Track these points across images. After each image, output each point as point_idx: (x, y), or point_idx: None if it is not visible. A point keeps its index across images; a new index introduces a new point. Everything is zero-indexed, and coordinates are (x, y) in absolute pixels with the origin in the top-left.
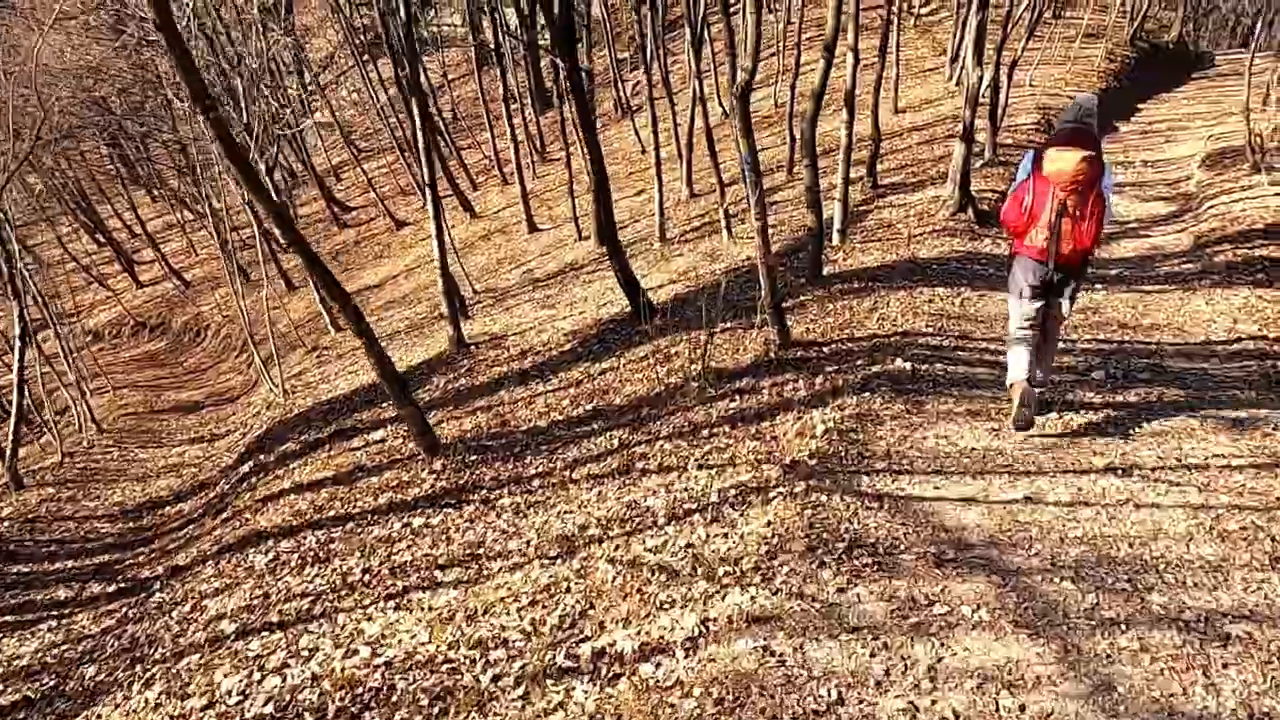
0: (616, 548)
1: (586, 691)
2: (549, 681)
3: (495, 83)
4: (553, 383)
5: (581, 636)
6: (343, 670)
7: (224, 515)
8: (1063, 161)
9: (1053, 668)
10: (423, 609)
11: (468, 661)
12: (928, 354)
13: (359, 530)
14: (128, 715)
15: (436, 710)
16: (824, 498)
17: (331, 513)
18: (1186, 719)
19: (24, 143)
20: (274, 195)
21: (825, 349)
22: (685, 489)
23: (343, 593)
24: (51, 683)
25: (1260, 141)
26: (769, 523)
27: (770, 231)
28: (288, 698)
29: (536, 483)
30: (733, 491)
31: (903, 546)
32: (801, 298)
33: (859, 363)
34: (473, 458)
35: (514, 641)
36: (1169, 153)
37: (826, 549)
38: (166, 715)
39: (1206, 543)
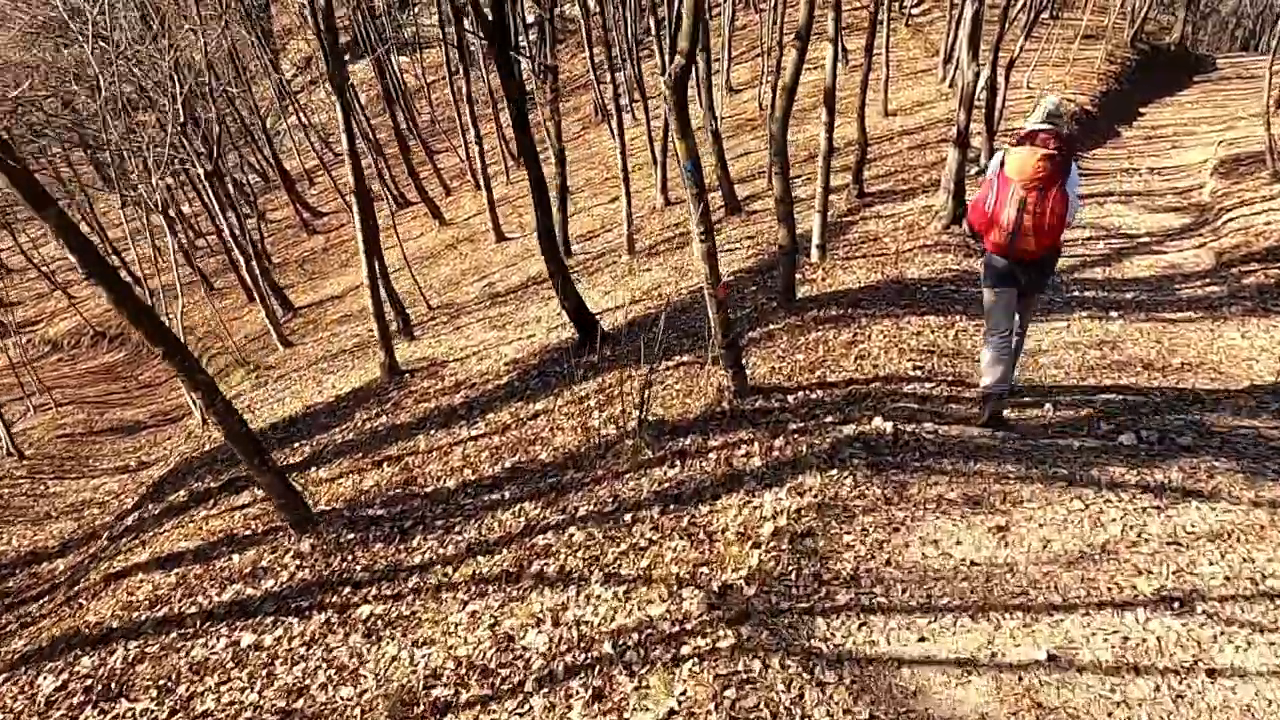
0: None
1: None
2: None
3: (476, 84)
4: (479, 426)
5: None
6: None
7: (68, 592)
8: (1023, 160)
9: None
10: None
11: None
12: (914, 408)
13: (179, 647)
14: None
15: None
16: (757, 663)
17: (163, 611)
18: None
19: None
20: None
21: (791, 397)
22: (577, 622)
23: None
24: None
25: None
26: (671, 711)
27: (746, 244)
28: None
29: (412, 582)
30: (635, 636)
31: None
32: (770, 325)
33: (829, 419)
34: (350, 536)
35: None
36: (1176, 159)
37: None
38: None
39: None
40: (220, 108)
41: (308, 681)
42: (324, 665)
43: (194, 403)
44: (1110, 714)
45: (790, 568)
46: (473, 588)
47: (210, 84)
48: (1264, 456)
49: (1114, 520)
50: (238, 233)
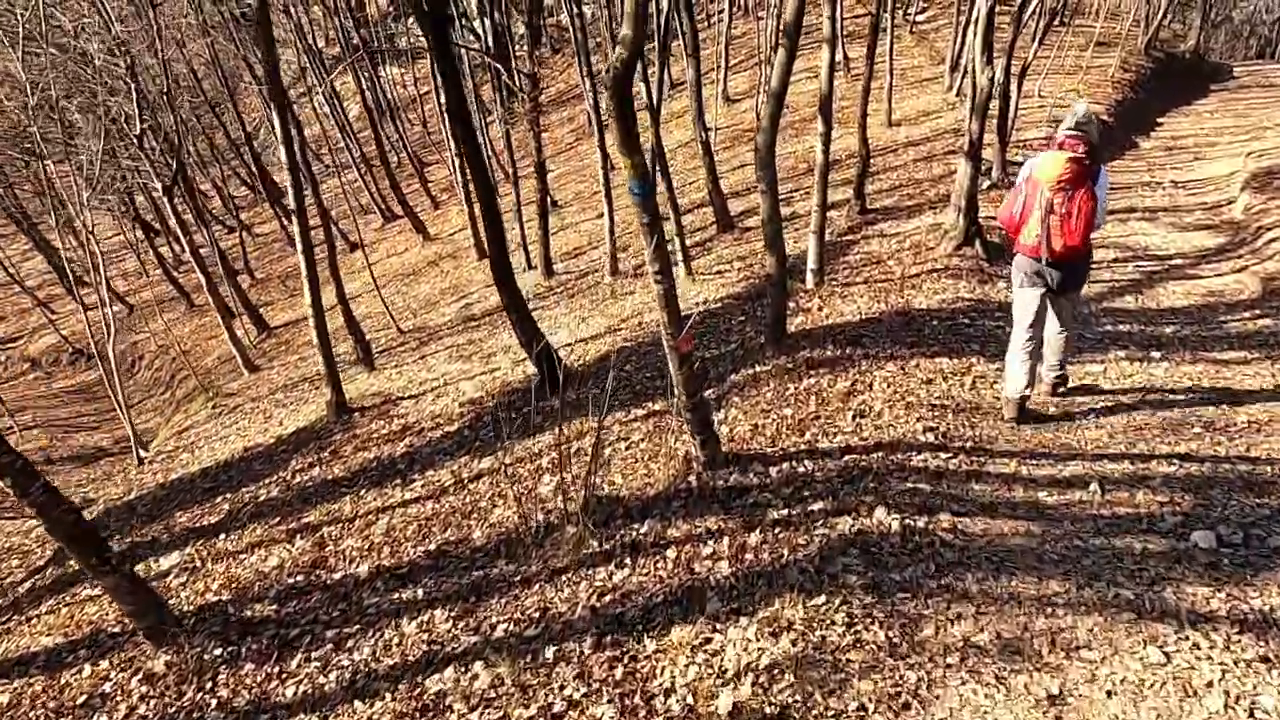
0: None
1: None
2: None
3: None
4: (415, 486)
5: None
6: None
7: None
8: (1051, 163)
9: None
10: None
11: None
12: (926, 490)
13: None
14: None
15: None
16: None
17: None
18: None
19: None
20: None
21: (774, 470)
22: None
23: None
24: None
25: None
26: None
27: (737, 266)
28: None
29: None
30: None
31: None
32: (757, 367)
33: (819, 506)
34: (217, 652)
35: None
36: (1201, 172)
37: None
38: None
39: None
40: (183, 117)
41: None
42: None
43: (133, 437)
44: None
45: None
46: None
47: (168, 90)
48: None
49: (1210, 685)
50: (205, 250)
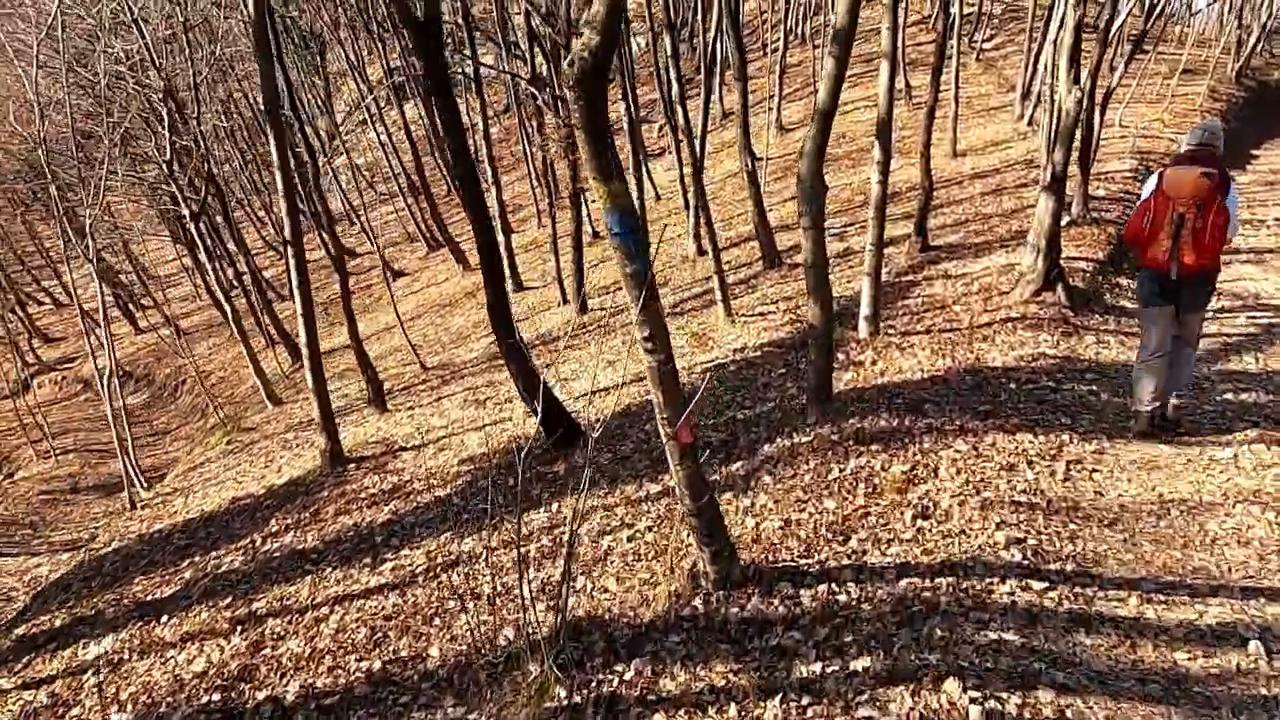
0: None
1: None
2: None
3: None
4: (384, 569)
5: None
6: None
7: None
8: (1182, 178)
9: None
10: None
11: None
12: (1016, 647)
13: None
14: None
15: None
16: None
17: None
18: None
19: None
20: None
21: (805, 595)
22: None
23: None
24: None
25: None
26: None
27: (782, 308)
28: None
29: None
30: None
31: None
32: (795, 437)
33: (863, 664)
34: None
35: None
36: None
37: None
38: None
39: None
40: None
41: None
42: None
43: (126, 478)
44: None
45: None
46: None
47: (198, 115)
48: None
49: None
50: (228, 277)
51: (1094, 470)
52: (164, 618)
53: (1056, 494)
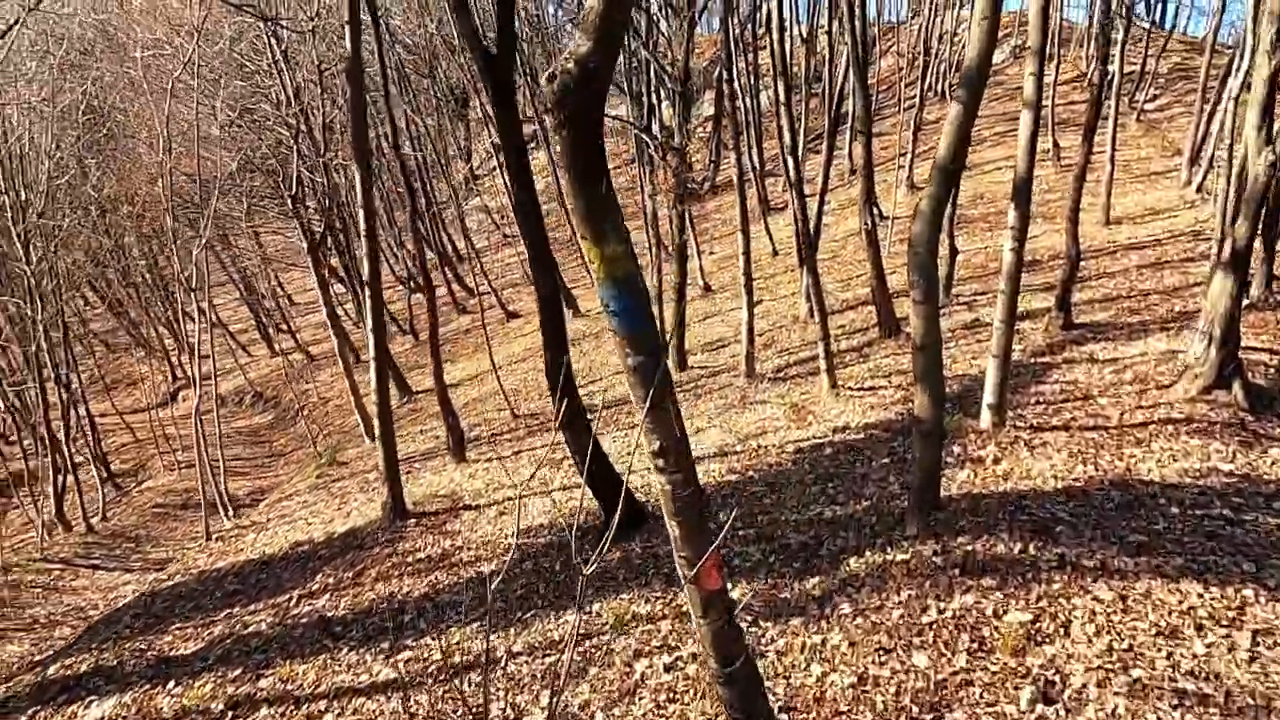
0: None
1: None
2: None
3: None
4: (399, 659)
5: None
6: None
7: None
8: None
9: None
10: None
11: None
12: None
13: None
14: None
15: None
16: None
17: None
18: None
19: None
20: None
21: None
22: None
23: None
24: None
25: None
26: None
27: (894, 383)
28: None
29: None
30: None
31: None
32: (887, 553)
33: None
34: None
35: None
36: None
37: None
38: None
39: None
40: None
41: None
42: None
43: (206, 508)
44: None
45: None
46: None
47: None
48: None
49: None
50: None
51: None
52: (170, 684)
53: (1237, 680)
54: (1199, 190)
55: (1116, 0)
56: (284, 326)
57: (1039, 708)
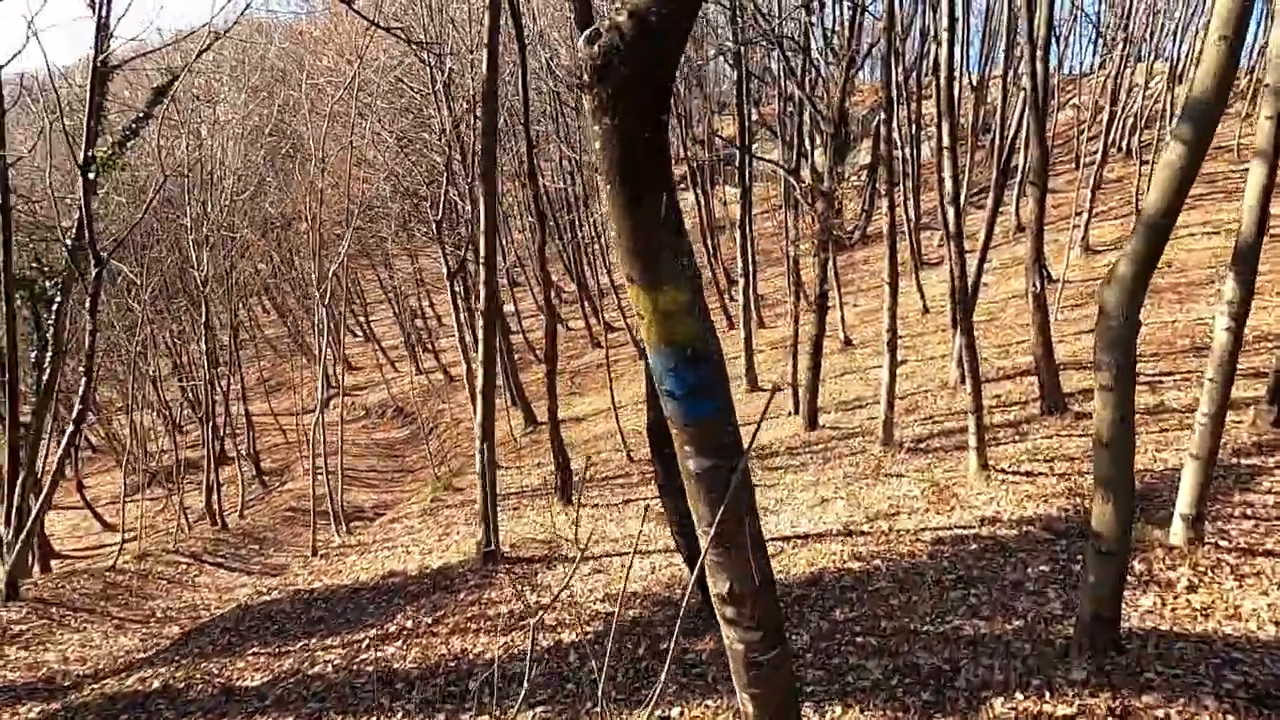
0: None
1: None
2: None
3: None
4: None
5: None
6: None
7: None
8: None
9: None
10: None
11: None
12: None
13: None
14: None
15: None
16: None
17: None
18: None
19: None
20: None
21: None
22: None
23: None
24: None
25: None
26: None
27: (1057, 469)
28: None
29: None
30: None
31: None
32: (1044, 701)
33: None
34: None
35: None
36: None
37: None
38: None
39: None
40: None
41: None
42: None
43: (338, 517)
44: None
45: None
46: None
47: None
48: None
49: None
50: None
51: None
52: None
53: None
54: None
55: None
56: (429, 346)
57: None
